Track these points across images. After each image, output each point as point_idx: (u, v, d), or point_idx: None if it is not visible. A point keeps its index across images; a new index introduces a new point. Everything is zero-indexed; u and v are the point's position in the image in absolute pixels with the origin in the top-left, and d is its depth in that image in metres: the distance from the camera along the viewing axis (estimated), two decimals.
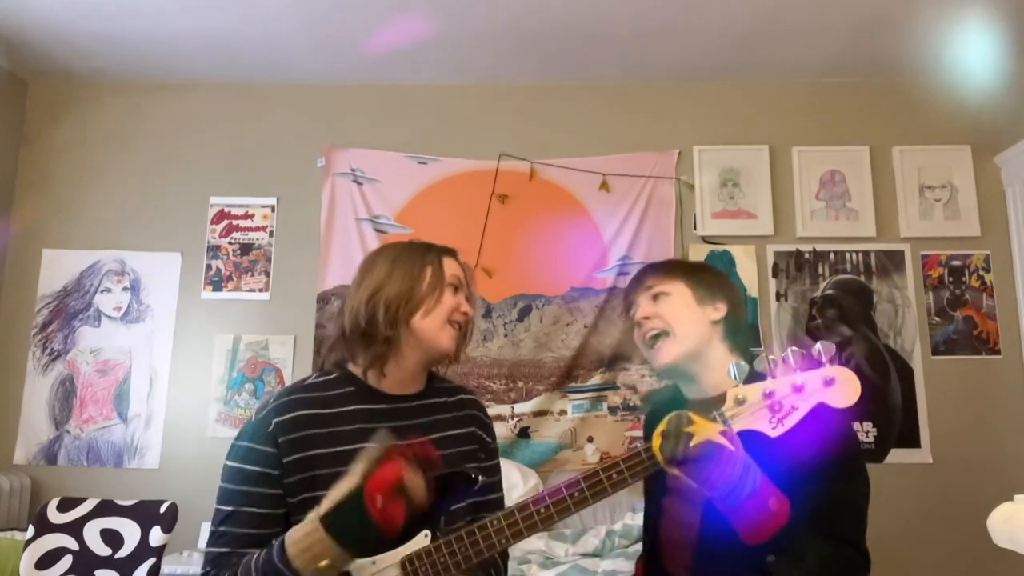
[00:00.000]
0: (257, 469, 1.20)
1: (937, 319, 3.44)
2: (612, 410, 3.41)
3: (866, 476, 1.29)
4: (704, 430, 1.05)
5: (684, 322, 1.36)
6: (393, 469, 1.07)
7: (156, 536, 2.33)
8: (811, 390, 1.08)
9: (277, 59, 3.48)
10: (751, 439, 1.10)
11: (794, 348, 1.10)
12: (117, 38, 3.29)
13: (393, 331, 1.29)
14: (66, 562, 2.29)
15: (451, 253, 1.40)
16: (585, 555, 2.74)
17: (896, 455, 3.28)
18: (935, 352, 3.40)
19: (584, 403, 3.42)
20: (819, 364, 1.08)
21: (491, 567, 1.32)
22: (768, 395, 1.09)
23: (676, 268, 1.44)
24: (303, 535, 1.08)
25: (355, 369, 1.34)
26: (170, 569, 2.74)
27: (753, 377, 1.12)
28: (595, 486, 1.10)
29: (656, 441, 1.08)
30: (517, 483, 3.13)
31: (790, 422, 1.08)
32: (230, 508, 1.21)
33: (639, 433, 3.38)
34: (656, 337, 1.39)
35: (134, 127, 3.67)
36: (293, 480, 1.20)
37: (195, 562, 2.87)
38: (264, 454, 1.21)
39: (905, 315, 3.43)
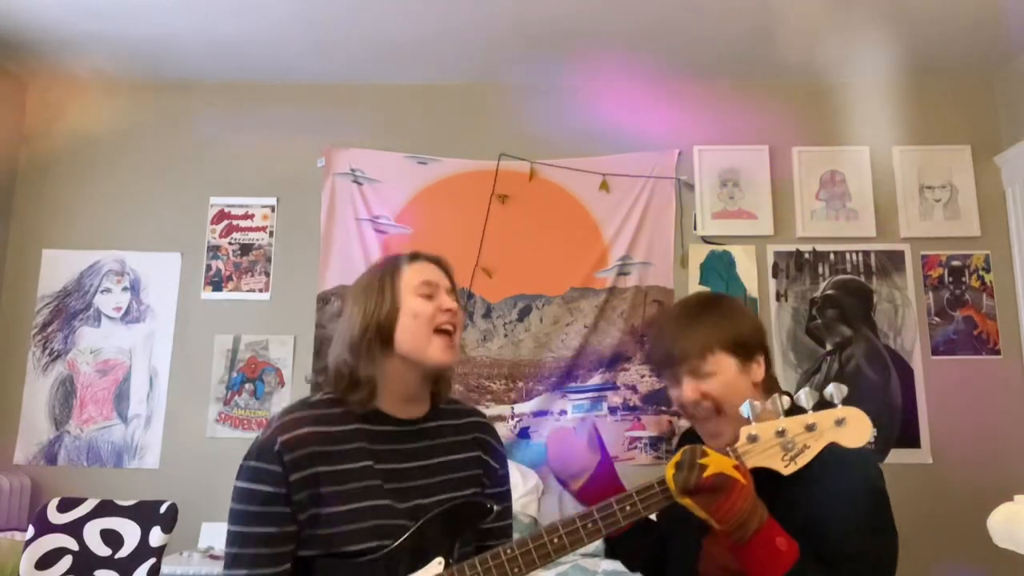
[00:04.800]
0: (266, 488, 1.18)
1: (937, 319, 3.43)
2: (612, 410, 3.41)
3: (889, 528, 1.22)
4: (717, 462, 1.08)
5: (733, 398, 1.27)
6: None
7: (156, 536, 2.33)
8: (823, 429, 1.12)
9: (277, 59, 3.48)
10: (769, 479, 1.12)
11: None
12: (117, 38, 3.29)
13: (372, 368, 1.24)
14: (66, 562, 2.29)
15: (413, 258, 1.32)
16: (585, 555, 2.74)
17: (896, 455, 3.28)
18: (935, 352, 3.40)
19: (584, 403, 3.42)
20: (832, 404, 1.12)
21: None
22: (780, 433, 1.12)
23: (715, 337, 1.29)
24: None
25: None
26: (170, 569, 2.74)
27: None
28: (608, 517, 1.12)
29: (669, 472, 1.11)
30: (517, 483, 3.13)
31: (802, 460, 1.12)
32: (244, 529, 1.19)
33: (639, 433, 3.39)
34: (706, 418, 1.32)
35: (134, 127, 3.67)
36: (300, 497, 1.18)
37: (195, 562, 2.87)
38: (272, 473, 1.19)
39: (905, 315, 3.43)
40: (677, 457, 1.11)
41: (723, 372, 1.28)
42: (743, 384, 1.29)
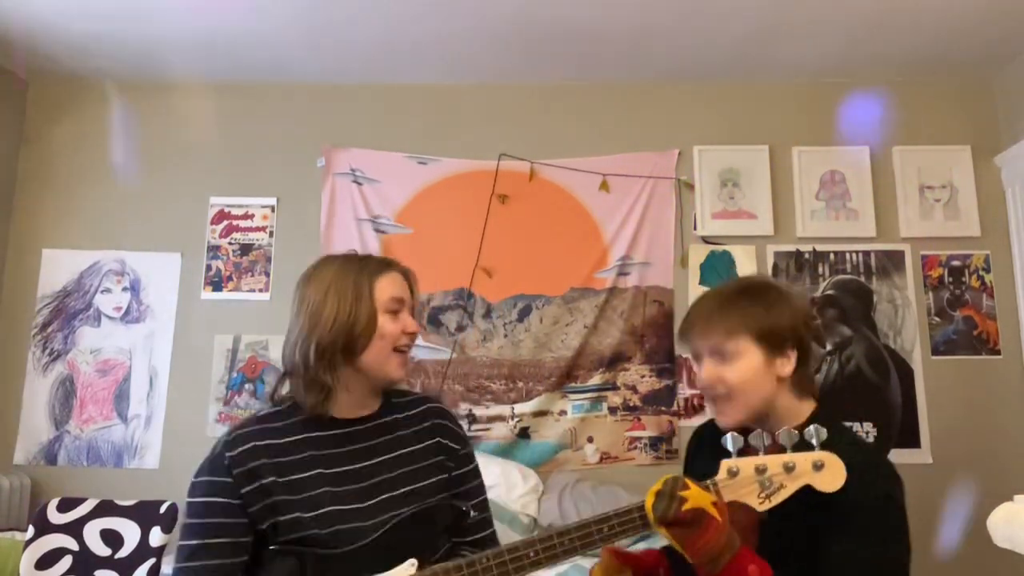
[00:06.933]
0: (220, 500, 1.20)
1: (937, 319, 3.43)
2: (612, 410, 3.41)
3: (897, 535, 1.18)
4: (697, 497, 1.08)
5: (748, 388, 1.27)
6: None
7: (156, 536, 2.33)
8: (800, 472, 1.12)
9: (277, 59, 3.47)
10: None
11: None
12: (117, 38, 3.29)
13: (332, 375, 1.25)
14: (66, 562, 2.29)
15: (387, 267, 1.31)
16: (585, 555, 2.74)
17: (896, 455, 3.27)
18: (935, 352, 3.40)
19: (584, 403, 3.41)
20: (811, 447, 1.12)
21: None
22: (760, 471, 1.12)
23: (746, 319, 1.27)
24: None
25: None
26: (170, 569, 2.73)
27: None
28: (585, 538, 1.14)
29: (649, 500, 1.11)
30: (517, 483, 3.13)
31: (777, 499, 1.12)
32: (198, 541, 1.20)
33: (639, 433, 3.39)
34: (718, 398, 1.32)
35: (134, 127, 3.67)
36: (256, 508, 1.20)
37: None
38: (224, 485, 1.21)
39: (905, 315, 3.43)
40: (658, 485, 1.11)
41: (745, 359, 1.27)
42: (765, 377, 1.27)
